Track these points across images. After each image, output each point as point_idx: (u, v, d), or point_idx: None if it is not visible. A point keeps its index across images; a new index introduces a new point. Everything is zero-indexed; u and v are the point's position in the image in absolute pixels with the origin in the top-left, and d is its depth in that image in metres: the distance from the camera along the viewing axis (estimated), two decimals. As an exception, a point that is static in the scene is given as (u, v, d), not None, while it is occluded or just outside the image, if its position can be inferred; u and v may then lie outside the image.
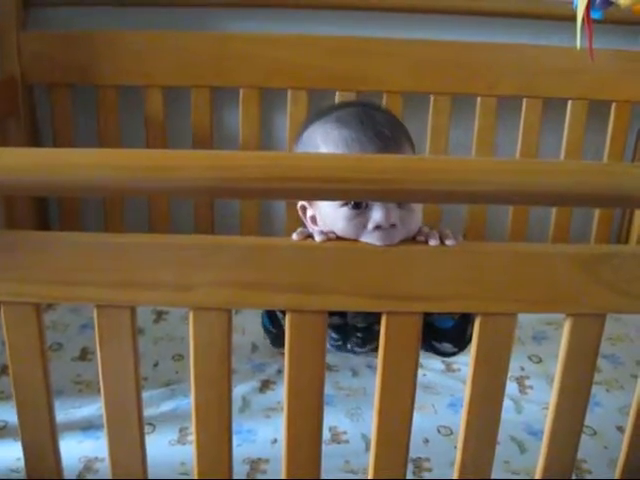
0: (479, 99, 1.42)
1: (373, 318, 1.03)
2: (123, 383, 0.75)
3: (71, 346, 1.21)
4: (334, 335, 1.11)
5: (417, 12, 1.40)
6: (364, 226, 0.85)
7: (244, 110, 1.41)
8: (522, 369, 1.17)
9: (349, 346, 1.14)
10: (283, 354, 0.74)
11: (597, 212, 1.50)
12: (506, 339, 0.74)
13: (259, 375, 1.14)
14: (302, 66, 1.38)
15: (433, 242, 0.71)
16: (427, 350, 1.03)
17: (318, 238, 0.71)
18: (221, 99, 1.44)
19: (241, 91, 1.40)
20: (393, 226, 0.84)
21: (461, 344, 0.98)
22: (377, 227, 0.84)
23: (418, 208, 0.89)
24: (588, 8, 1.06)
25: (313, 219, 0.95)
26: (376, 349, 0.74)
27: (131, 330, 0.72)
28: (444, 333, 0.96)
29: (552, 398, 0.77)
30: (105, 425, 0.78)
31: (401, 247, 0.71)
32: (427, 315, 0.71)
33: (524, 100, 1.42)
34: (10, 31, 1.37)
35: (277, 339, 1.08)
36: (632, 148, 1.49)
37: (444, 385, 1.12)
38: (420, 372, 0.76)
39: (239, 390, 1.09)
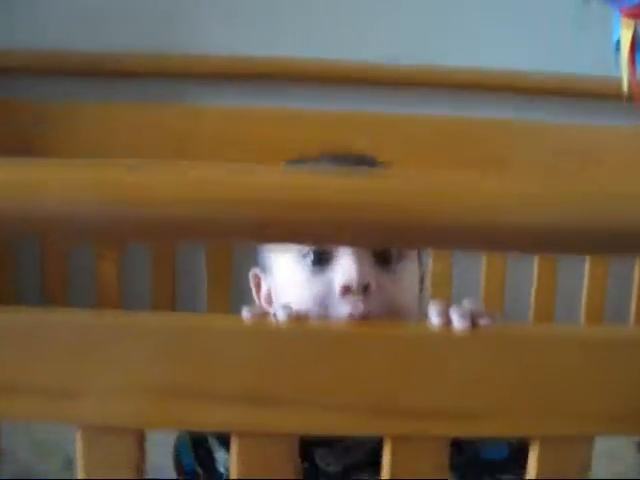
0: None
1: (352, 458, 0.66)
2: None
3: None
4: None
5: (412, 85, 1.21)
6: (329, 292, 0.60)
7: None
8: None
9: None
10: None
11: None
12: (578, 474, 0.47)
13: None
14: (285, 141, 1.17)
15: (462, 323, 0.46)
16: None
17: (281, 314, 0.46)
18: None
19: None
20: (366, 289, 0.59)
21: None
22: (344, 291, 0.59)
23: (412, 276, 0.65)
24: (633, 49, 0.88)
25: (268, 298, 0.68)
26: None
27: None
28: (498, 465, 0.64)
29: None
30: None
31: (413, 332, 0.46)
32: (466, 444, 0.46)
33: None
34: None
35: None
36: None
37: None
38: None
39: None
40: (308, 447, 0.64)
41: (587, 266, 1.18)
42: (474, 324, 0.46)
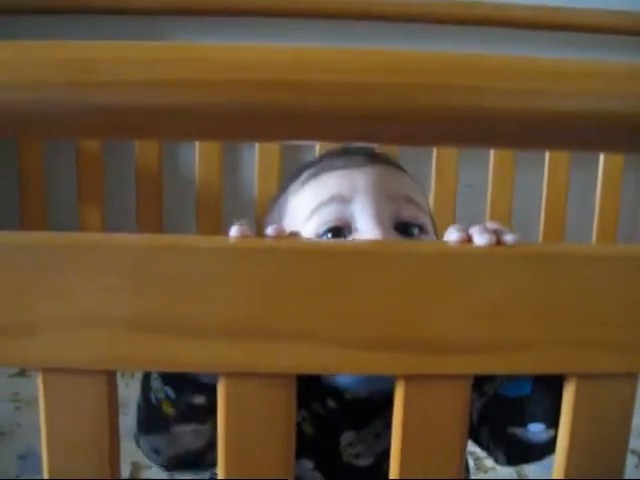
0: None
1: (382, 445, 0.57)
2: None
3: None
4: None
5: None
6: None
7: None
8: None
9: None
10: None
11: None
12: (621, 416, 0.41)
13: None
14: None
15: (485, 238, 0.39)
16: (505, 449, 0.55)
17: (271, 233, 0.39)
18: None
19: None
20: None
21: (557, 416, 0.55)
22: None
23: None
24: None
25: None
26: None
27: None
28: (522, 406, 0.52)
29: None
30: None
31: (429, 250, 0.39)
32: (483, 380, 0.39)
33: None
34: None
35: (151, 424, 0.52)
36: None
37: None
38: None
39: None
40: (334, 433, 0.58)
41: (600, 173, 1.09)
42: (498, 241, 0.39)
